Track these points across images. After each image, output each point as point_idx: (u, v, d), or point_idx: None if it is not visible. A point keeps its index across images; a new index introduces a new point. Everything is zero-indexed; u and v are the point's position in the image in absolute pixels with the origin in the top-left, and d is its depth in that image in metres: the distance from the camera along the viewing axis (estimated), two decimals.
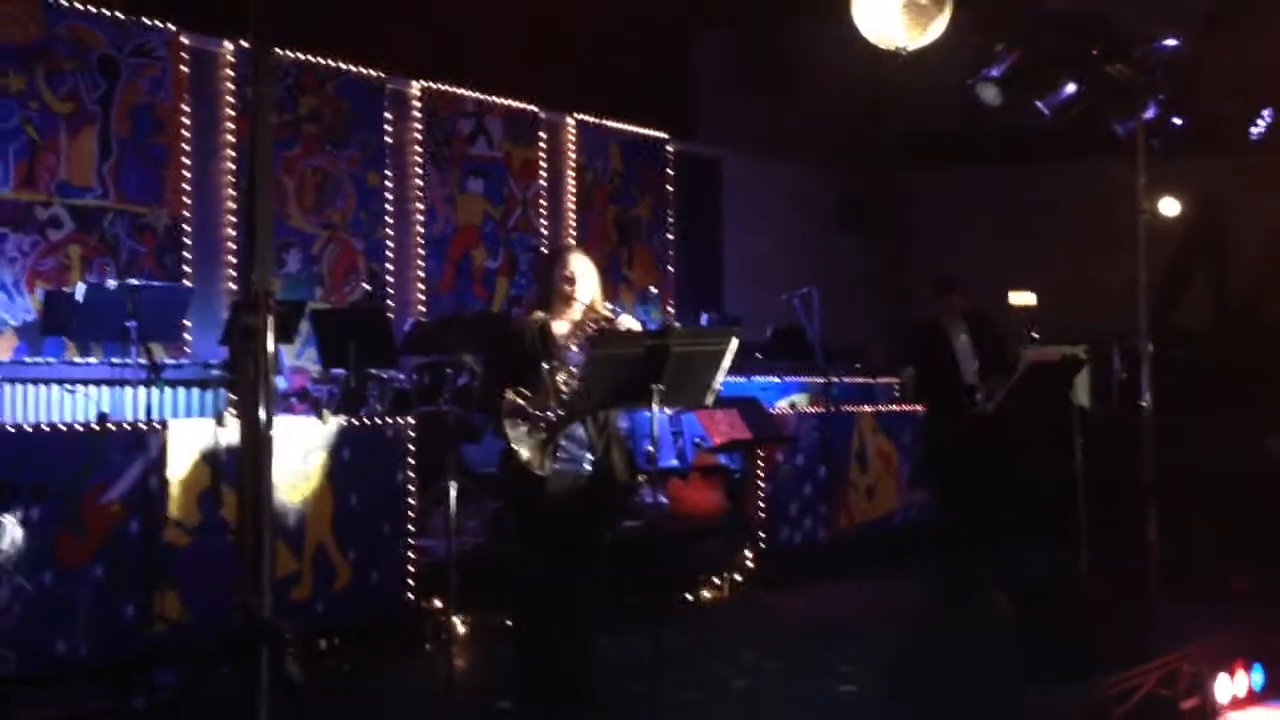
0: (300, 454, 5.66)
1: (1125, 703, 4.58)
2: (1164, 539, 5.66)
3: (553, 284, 4.75)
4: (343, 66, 9.29)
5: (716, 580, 7.49)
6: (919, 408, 7.48)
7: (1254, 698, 4.89)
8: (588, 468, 4.71)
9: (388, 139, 9.58)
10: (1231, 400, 9.63)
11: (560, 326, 4.75)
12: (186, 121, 8.41)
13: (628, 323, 4.67)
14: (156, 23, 8.19)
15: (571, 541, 4.68)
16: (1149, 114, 5.77)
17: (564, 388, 4.55)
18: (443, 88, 9.99)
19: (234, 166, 8.60)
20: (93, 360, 7.26)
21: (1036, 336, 8.40)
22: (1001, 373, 6.50)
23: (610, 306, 4.82)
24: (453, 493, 5.01)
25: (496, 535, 6.62)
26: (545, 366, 4.54)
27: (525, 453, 4.47)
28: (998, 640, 5.75)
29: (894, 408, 9.27)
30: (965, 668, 5.21)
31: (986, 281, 11.16)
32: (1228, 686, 4.82)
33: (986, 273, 12.84)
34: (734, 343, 4.38)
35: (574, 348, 4.63)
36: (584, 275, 4.76)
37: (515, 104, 10.51)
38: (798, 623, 6.70)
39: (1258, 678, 4.94)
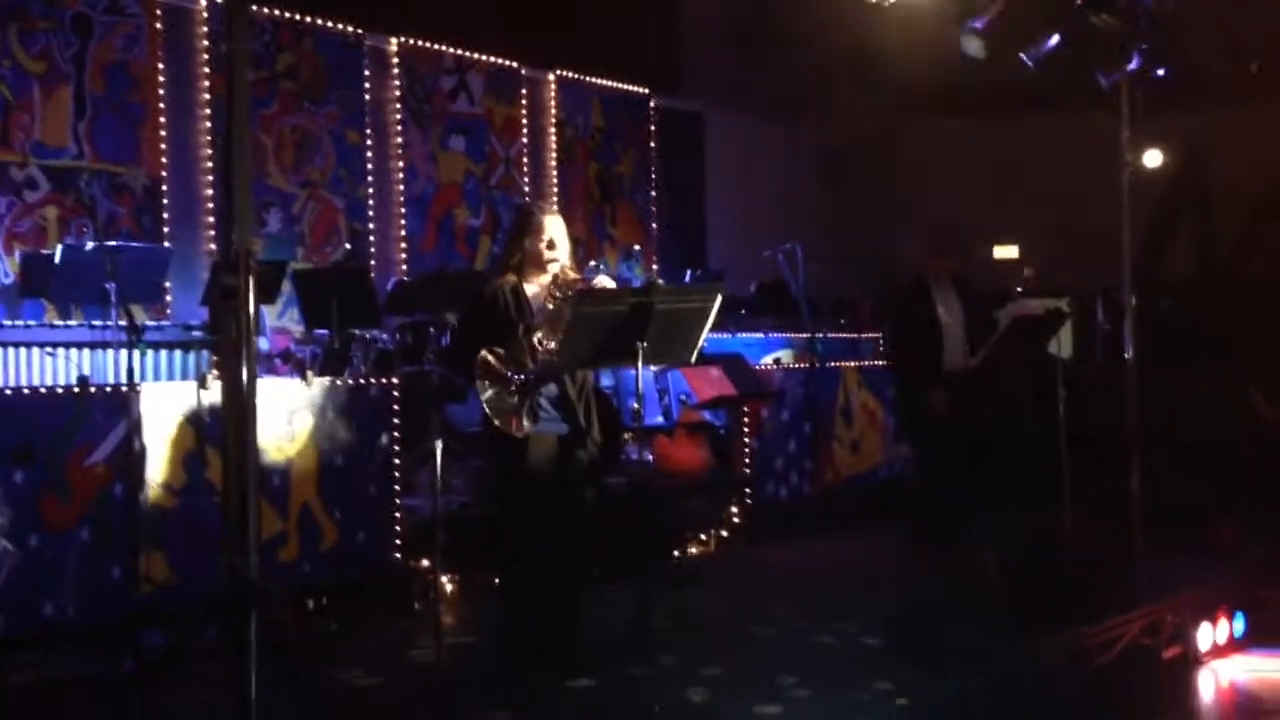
0: (284, 415, 5.67)
1: (1108, 652, 4.64)
2: (1147, 491, 5.71)
3: (526, 247, 4.73)
4: (320, 22, 9.21)
5: (703, 536, 7.54)
6: (887, 365, 7.42)
7: (1235, 645, 4.96)
8: (565, 427, 4.73)
9: (367, 96, 9.52)
10: (1216, 353, 9.69)
11: (532, 288, 4.75)
12: (162, 79, 8.34)
13: (605, 282, 4.67)
14: None
15: (554, 500, 4.71)
16: (1133, 65, 5.75)
17: (539, 347, 4.56)
18: (423, 44, 9.92)
19: (211, 125, 8.54)
20: (73, 323, 7.23)
21: (1021, 290, 8.42)
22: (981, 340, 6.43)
23: (592, 264, 4.82)
24: (438, 452, 5.04)
25: (482, 494, 6.64)
26: (522, 327, 4.54)
27: (495, 415, 4.48)
28: (982, 595, 5.82)
29: (879, 363, 9.31)
30: (951, 623, 5.27)
31: (971, 236, 11.20)
32: (1209, 635, 4.88)
33: (972, 227, 12.88)
34: (718, 299, 4.38)
35: (550, 307, 4.64)
36: (560, 237, 4.76)
37: (496, 60, 10.44)
38: (785, 578, 6.75)
39: (1239, 625, 5.01)
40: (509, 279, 4.76)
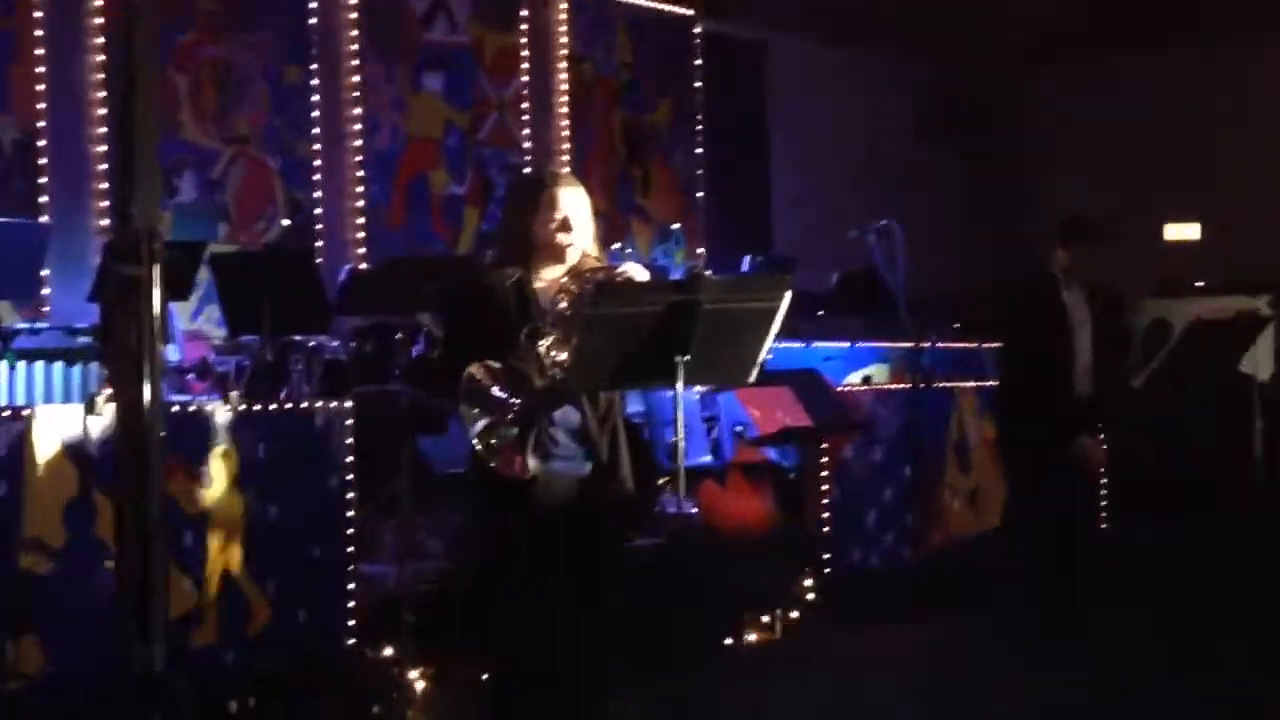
0: (200, 449, 5.70)
1: None
2: None
3: (533, 227, 4.74)
4: None
5: (766, 619, 7.52)
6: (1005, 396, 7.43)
7: None
8: (586, 467, 4.73)
9: (313, 20, 9.57)
10: None
11: (542, 283, 4.75)
12: (38, 1, 8.41)
13: (633, 272, 4.68)
14: None
15: (568, 569, 4.71)
16: None
17: (551, 360, 4.57)
18: None
19: (104, 60, 8.60)
20: None
21: (1202, 285, 8.37)
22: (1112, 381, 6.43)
23: (616, 247, 4.84)
24: (407, 502, 5.04)
25: (466, 559, 6.65)
26: (525, 332, 4.55)
27: (487, 451, 4.49)
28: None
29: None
30: None
31: (1132, 211, 11.18)
32: None
33: (1132, 199, 12.86)
34: (787, 296, 4.38)
35: (562, 306, 4.64)
36: (578, 215, 4.76)
37: None
38: (878, 675, 6.72)
39: None
40: (512, 271, 4.77)
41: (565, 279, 4.67)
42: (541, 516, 4.66)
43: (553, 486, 4.65)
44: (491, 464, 4.52)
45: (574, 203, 4.78)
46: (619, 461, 4.76)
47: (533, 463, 4.58)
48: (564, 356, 4.53)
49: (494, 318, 4.67)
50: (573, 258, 4.74)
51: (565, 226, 4.74)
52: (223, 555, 5.73)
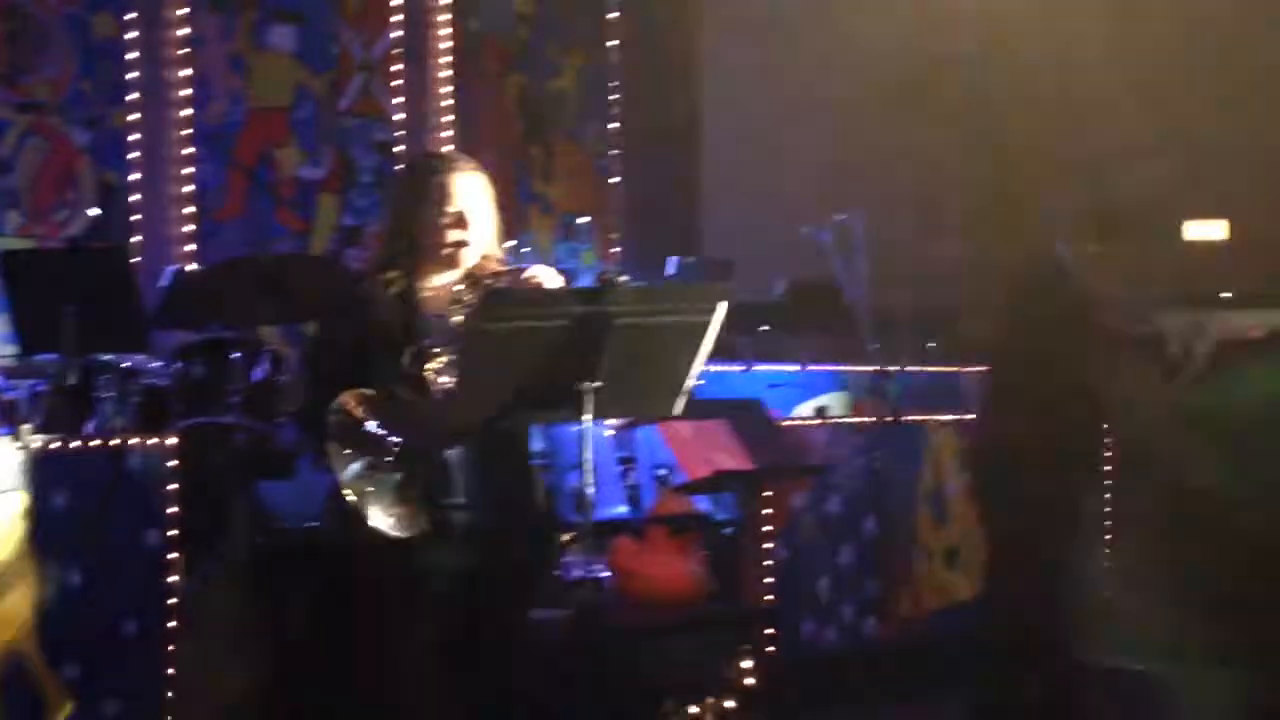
0: None
1: None
2: None
3: (419, 223, 4.74)
4: None
5: (694, 710, 7.53)
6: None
7: None
8: (480, 518, 4.73)
9: None
10: None
11: (434, 290, 4.75)
12: None
13: (543, 278, 4.69)
14: None
15: (449, 648, 4.70)
16: None
17: (440, 386, 4.57)
18: None
19: None
20: None
21: (1229, 297, 8.48)
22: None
23: (510, 245, 4.85)
24: (243, 564, 5.00)
25: (323, 637, 6.60)
26: (409, 353, 4.56)
27: (364, 505, 4.47)
28: None
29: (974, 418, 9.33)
30: None
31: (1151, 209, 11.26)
32: None
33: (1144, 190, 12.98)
34: (722, 307, 4.39)
35: (457, 320, 4.65)
36: (477, 208, 4.77)
37: None
38: None
39: None
40: (393, 277, 4.76)
41: (460, 287, 4.67)
42: (425, 581, 4.65)
43: (425, 546, 4.64)
44: (370, 517, 4.50)
45: (472, 193, 4.80)
46: (526, 505, 4.77)
47: (420, 515, 4.56)
48: (448, 385, 4.53)
49: (371, 335, 4.67)
50: (468, 260, 4.75)
51: (460, 222, 4.75)
52: (9, 633, 5.66)
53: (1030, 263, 6.89)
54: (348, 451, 4.51)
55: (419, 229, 4.77)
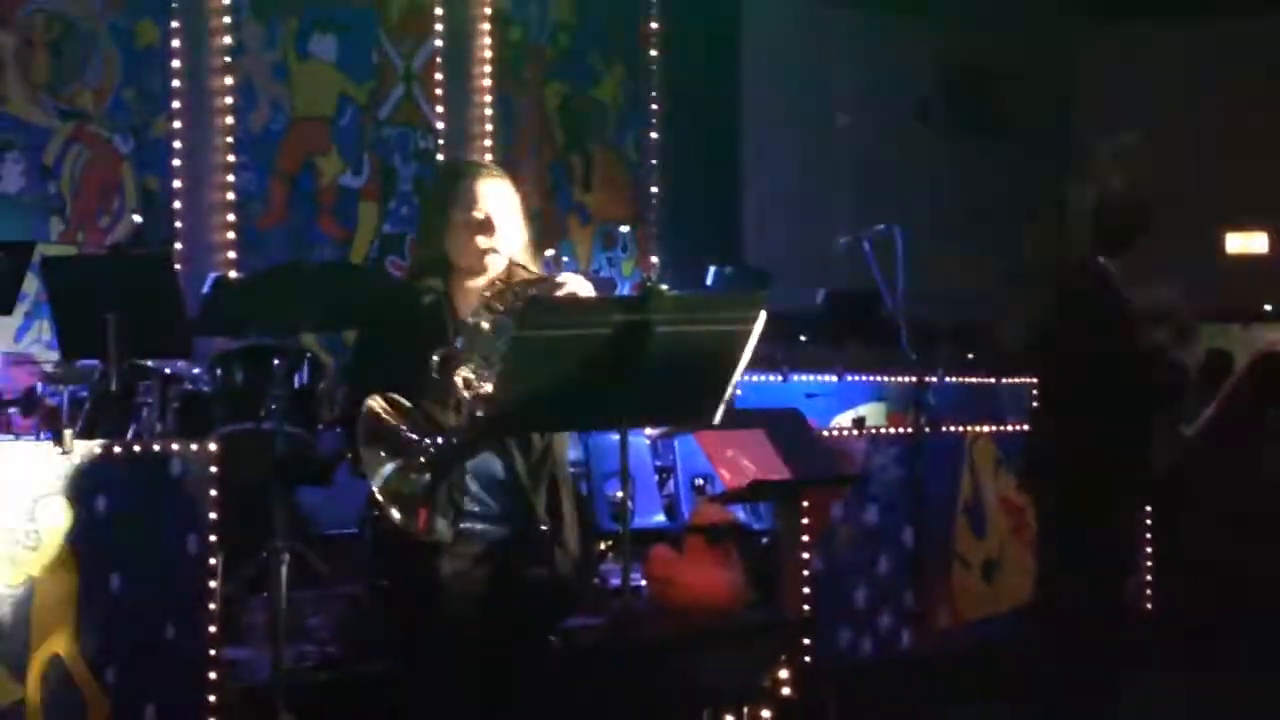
0: (25, 503, 5.65)
1: None
2: None
3: (450, 229, 4.75)
4: None
5: (730, 718, 7.53)
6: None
7: None
8: (508, 529, 4.72)
9: None
10: None
11: (468, 297, 4.76)
12: None
13: (575, 286, 4.68)
14: None
15: (487, 656, 4.70)
16: None
17: (469, 392, 4.56)
18: None
19: None
20: None
21: (1270, 310, 8.45)
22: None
23: (550, 254, 4.84)
24: (284, 570, 5.00)
25: (358, 643, 6.62)
26: (435, 358, 4.55)
27: (394, 509, 4.47)
28: None
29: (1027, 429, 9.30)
30: None
31: (1185, 214, 11.26)
32: None
33: (1186, 200, 12.95)
34: (761, 317, 4.39)
35: (485, 326, 4.65)
36: (503, 214, 4.77)
37: None
38: None
39: None
40: (432, 282, 4.77)
41: (487, 293, 4.68)
42: (452, 589, 4.65)
43: (462, 553, 4.64)
44: (396, 520, 4.50)
45: (498, 199, 4.79)
46: (565, 516, 4.76)
47: (441, 523, 4.56)
48: (487, 389, 4.53)
49: (409, 342, 4.67)
50: (495, 267, 4.75)
51: (486, 228, 4.74)
52: (50, 637, 5.68)
53: (1073, 274, 6.88)
54: (382, 454, 4.51)
55: (447, 235, 4.78)
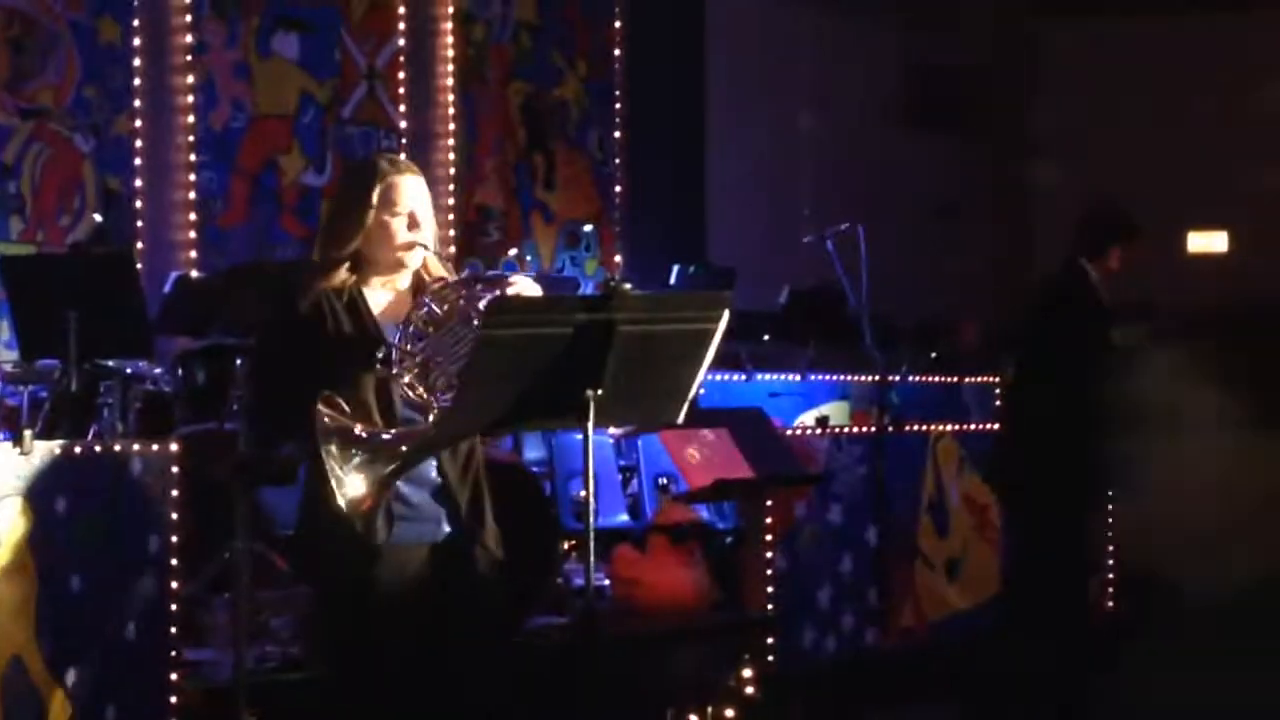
0: None
1: None
2: None
3: (365, 225, 4.72)
4: None
5: (694, 717, 7.53)
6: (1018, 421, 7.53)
7: None
8: (444, 532, 4.71)
9: None
10: None
11: (378, 294, 4.73)
12: None
13: (524, 287, 4.67)
14: None
15: (431, 662, 4.69)
16: None
17: (410, 393, 4.54)
18: None
19: None
20: None
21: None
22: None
23: (511, 255, 4.82)
24: (245, 571, 4.99)
25: (317, 645, 6.60)
26: (379, 356, 4.53)
27: (358, 509, 4.45)
28: None
29: (994, 426, 9.32)
30: None
31: (1146, 212, 11.27)
32: None
33: (1149, 199, 13.00)
34: (725, 316, 4.39)
35: (422, 327, 4.63)
36: (422, 209, 4.76)
37: None
38: None
39: None
40: (339, 279, 4.73)
41: (428, 295, 4.65)
42: (391, 593, 4.64)
43: (397, 556, 4.63)
44: (355, 522, 4.49)
45: (418, 194, 4.78)
46: (485, 517, 4.75)
47: (382, 525, 4.55)
48: (421, 389, 4.51)
49: (323, 342, 4.64)
50: (414, 262, 4.73)
51: (411, 223, 4.73)
52: (9, 637, 5.66)
53: (1054, 275, 6.96)
54: (339, 449, 4.48)
55: (367, 233, 4.74)
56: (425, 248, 4.71)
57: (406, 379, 4.54)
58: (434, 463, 4.67)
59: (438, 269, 4.77)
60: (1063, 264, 6.98)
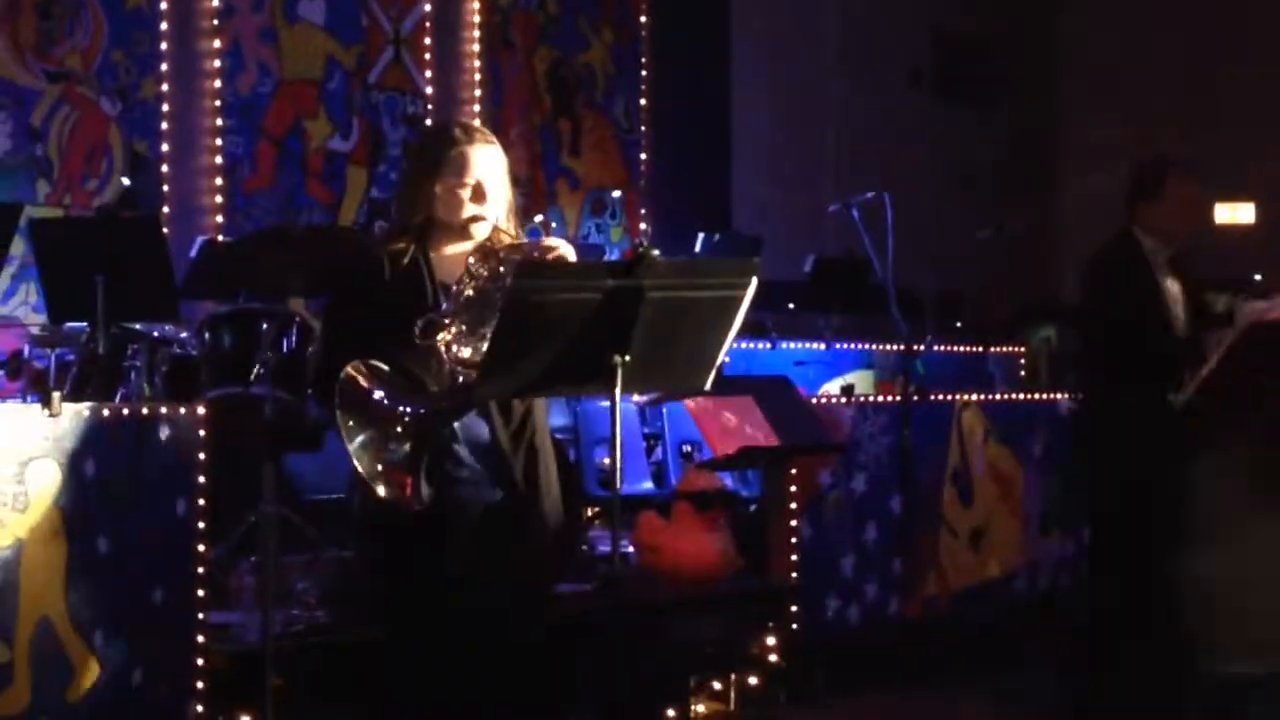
0: (12, 466, 5.65)
1: None
2: None
3: (434, 192, 4.74)
4: None
5: (718, 686, 7.54)
6: (1085, 392, 7.55)
7: None
8: (496, 494, 4.73)
9: None
10: None
11: (448, 261, 4.75)
12: None
13: (562, 250, 4.68)
14: None
15: (475, 623, 4.71)
16: None
17: (454, 356, 4.56)
18: None
19: None
20: None
21: (1259, 279, 8.46)
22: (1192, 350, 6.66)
23: (538, 220, 4.84)
24: (272, 535, 5.00)
25: (346, 609, 6.63)
26: (420, 324, 4.54)
27: (372, 474, 4.47)
28: None
29: (1020, 396, 9.32)
30: None
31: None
32: None
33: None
34: (752, 283, 4.39)
35: (470, 293, 4.64)
36: (492, 180, 4.76)
37: None
38: None
39: None
40: (402, 246, 4.76)
41: (472, 258, 4.67)
42: (440, 554, 4.66)
43: (450, 518, 4.65)
44: (378, 489, 4.50)
45: (488, 165, 4.79)
46: (541, 484, 4.76)
47: (426, 489, 4.56)
48: (469, 353, 4.52)
49: (383, 304, 4.66)
50: (480, 233, 4.74)
51: (477, 194, 4.74)
52: (38, 599, 5.69)
53: (1111, 243, 6.97)
54: (351, 423, 4.50)
55: (435, 199, 4.76)
56: (484, 221, 4.72)
57: (447, 343, 4.55)
58: (484, 424, 4.68)
59: (506, 236, 4.77)
60: (1116, 234, 6.97)
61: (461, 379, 4.53)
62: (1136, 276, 6.76)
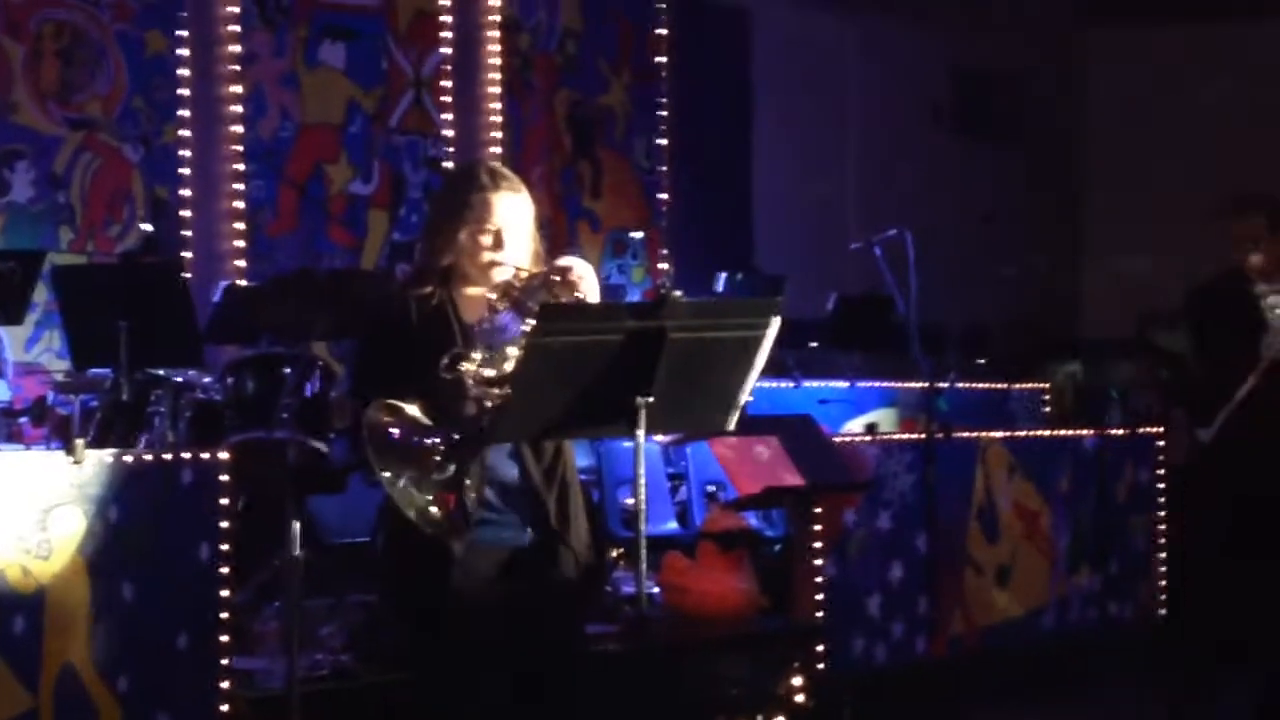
0: (36, 513, 5.65)
1: None
2: None
3: (458, 237, 4.74)
4: None
5: None
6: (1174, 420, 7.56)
7: None
8: (526, 536, 4.72)
9: None
10: None
11: (472, 302, 4.75)
12: None
13: (579, 269, 4.67)
14: None
15: (504, 667, 4.69)
16: None
17: (478, 377, 4.55)
18: None
19: None
20: None
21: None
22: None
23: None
24: (296, 579, 4.99)
25: (371, 653, 6.62)
26: (445, 360, 4.54)
27: (424, 516, 4.46)
28: None
29: (1044, 432, 9.29)
30: None
31: (1193, 218, 11.29)
32: None
33: (1193, 201, 12.97)
34: (775, 323, 4.38)
35: (486, 327, 4.64)
36: (516, 227, 4.76)
37: None
38: None
39: None
40: (429, 291, 4.76)
41: (493, 295, 4.67)
42: (469, 599, 4.64)
43: (478, 560, 4.63)
44: (424, 527, 4.49)
45: (512, 212, 4.78)
46: (573, 521, 4.75)
47: (472, 507, 4.56)
48: (493, 373, 4.51)
49: (411, 348, 4.66)
50: (501, 277, 4.73)
51: (497, 242, 4.73)
52: (62, 645, 5.68)
53: (1217, 275, 6.99)
54: (387, 469, 4.48)
55: (457, 243, 4.76)
56: (505, 267, 4.71)
57: (472, 368, 4.54)
58: (514, 464, 4.68)
59: (532, 274, 4.76)
60: (1224, 271, 6.99)
61: (489, 403, 4.52)
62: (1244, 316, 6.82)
